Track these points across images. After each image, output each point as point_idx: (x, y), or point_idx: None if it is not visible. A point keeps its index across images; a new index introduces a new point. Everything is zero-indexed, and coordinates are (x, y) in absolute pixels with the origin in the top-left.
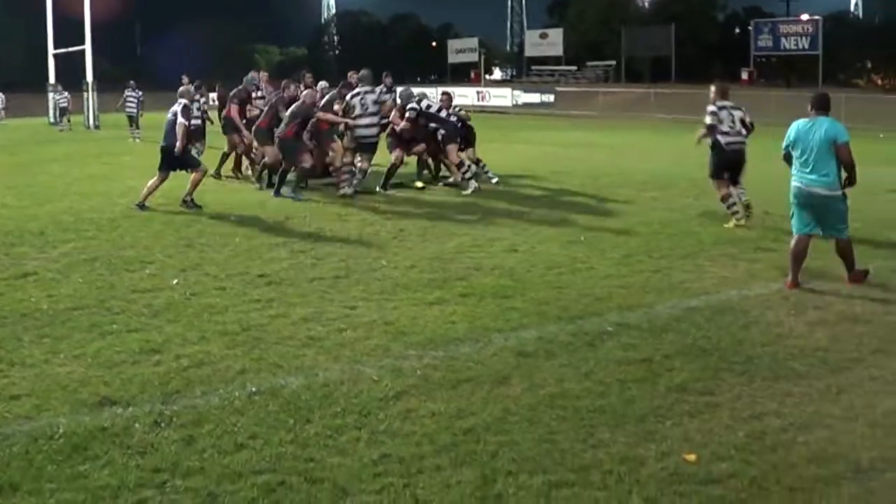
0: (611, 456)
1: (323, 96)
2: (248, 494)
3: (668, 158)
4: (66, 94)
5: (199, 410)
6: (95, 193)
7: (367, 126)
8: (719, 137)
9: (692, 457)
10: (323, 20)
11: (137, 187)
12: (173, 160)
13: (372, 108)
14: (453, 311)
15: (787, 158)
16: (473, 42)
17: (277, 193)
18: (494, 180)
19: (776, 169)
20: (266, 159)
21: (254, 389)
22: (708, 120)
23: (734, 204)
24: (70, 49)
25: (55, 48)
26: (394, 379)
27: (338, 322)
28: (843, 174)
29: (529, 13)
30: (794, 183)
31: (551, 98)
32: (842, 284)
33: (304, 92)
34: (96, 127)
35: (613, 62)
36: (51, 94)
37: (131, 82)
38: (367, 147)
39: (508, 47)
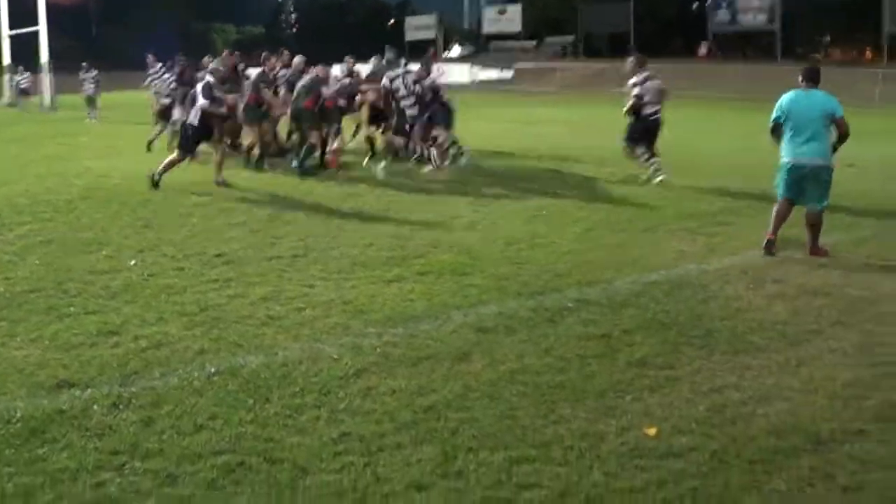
0: (571, 431)
1: (302, 71)
2: (207, 475)
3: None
4: (27, 74)
5: (158, 392)
6: (52, 175)
7: (412, 105)
8: (646, 111)
9: (652, 431)
10: None
11: (94, 168)
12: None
13: (414, 88)
14: (412, 288)
15: (776, 131)
16: (431, 19)
17: (302, 167)
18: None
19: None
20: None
21: (213, 370)
22: (636, 91)
23: (650, 157)
24: (25, 30)
25: (10, 29)
26: (353, 357)
27: (297, 301)
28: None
29: None
30: (787, 158)
31: (510, 74)
32: (802, 257)
33: (317, 67)
34: (53, 108)
35: (572, 37)
36: (7, 76)
37: (84, 64)
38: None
39: (466, 24)
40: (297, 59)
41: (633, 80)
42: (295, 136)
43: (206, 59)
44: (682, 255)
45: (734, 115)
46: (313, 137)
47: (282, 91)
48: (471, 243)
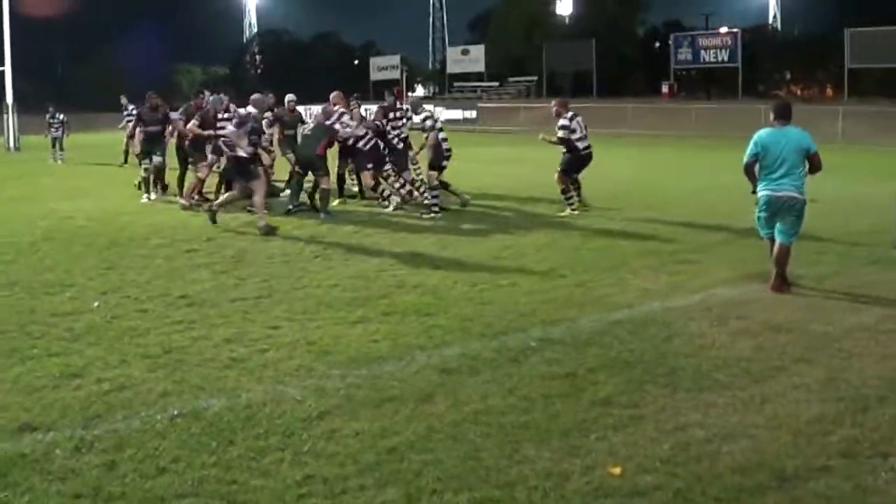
0: (536, 472)
1: (293, 110)
2: None
3: (588, 173)
4: None
5: (121, 435)
6: (15, 216)
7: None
8: (577, 143)
9: (617, 470)
10: (245, 39)
11: (58, 209)
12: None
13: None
14: (376, 329)
15: (750, 168)
16: (395, 59)
17: (327, 213)
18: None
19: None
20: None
21: (176, 412)
22: (561, 133)
23: (572, 196)
24: None
25: None
26: (317, 399)
27: (260, 342)
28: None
29: (451, 30)
30: (765, 192)
31: (473, 114)
32: (766, 293)
33: (322, 107)
34: (16, 149)
35: (535, 77)
36: None
37: (50, 109)
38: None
39: (430, 64)
40: (335, 95)
41: (562, 121)
42: (294, 181)
43: (215, 97)
44: (645, 293)
45: (697, 152)
46: (325, 183)
47: (272, 132)
48: (435, 283)
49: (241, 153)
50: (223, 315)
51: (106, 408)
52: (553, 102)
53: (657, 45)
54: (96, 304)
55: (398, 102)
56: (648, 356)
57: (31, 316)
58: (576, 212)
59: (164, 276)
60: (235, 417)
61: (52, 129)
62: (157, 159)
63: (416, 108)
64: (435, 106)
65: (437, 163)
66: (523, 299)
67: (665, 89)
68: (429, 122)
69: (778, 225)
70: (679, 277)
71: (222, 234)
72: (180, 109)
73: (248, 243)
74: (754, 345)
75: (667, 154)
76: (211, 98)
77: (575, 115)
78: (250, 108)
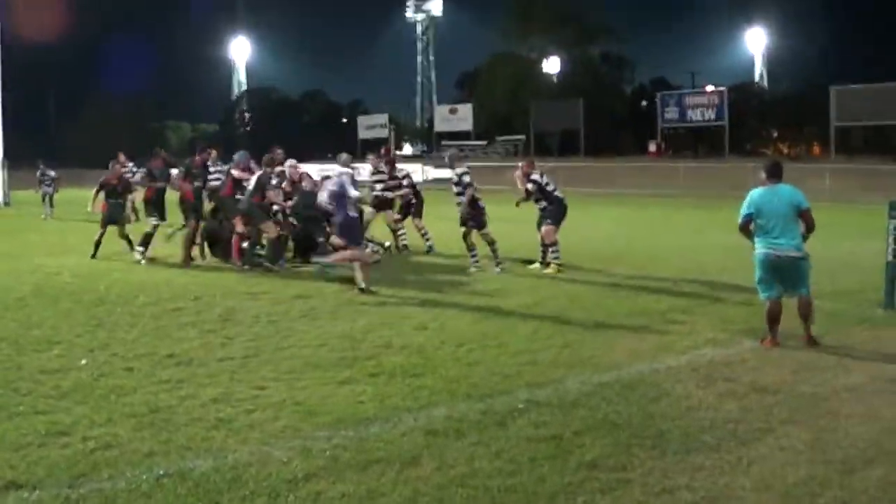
0: None
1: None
2: None
3: (576, 232)
4: None
5: (107, 494)
6: (3, 272)
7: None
8: (557, 194)
9: None
10: (234, 97)
11: (46, 265)
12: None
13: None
14: (363, 390)
15: (746, 227)
16: (383, 118)
17: (326, 268)
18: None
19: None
20: (268, 234)
21: (162, 472)
22: (530, 186)
23: (558, 251)
24: None
25: None
26: (303, 460)
27: (247, 403)
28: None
29: (439, 88)
30: (762, 250)
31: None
32: (750, 355)
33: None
34: (6, 203)
35: (523, 137)
36: None
37: (41, 165)
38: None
39: (418, 122)
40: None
41: (534, 176)
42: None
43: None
44: (633, 353)
45: (684, 211)
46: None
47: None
48: (421, 344)
49: (351, 213)
50: (210, 374)
51: (92, 467)
52: (520, 164)
53: (644, 103)
54: (83, 361)
55: (383, 162)
56: (636, 418)
57: (18, 373)
58: (560, 269)
59: (151, 335)
60: (222, 478)
61: (44, 185)
62: (156, 220)
63: (454, 162)
64: (423, 165)
65: (480, 221)
66: (510, 360)
67: (652, 148)
68: (466, 178)
69: (785, 283)
70: (667, 337)
71: (209, 292)
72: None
73: (235, 302)
74: (741, 406)
75: (654, 212)
76: (236, 156)
77: (543, 171)
78: (338, 168)
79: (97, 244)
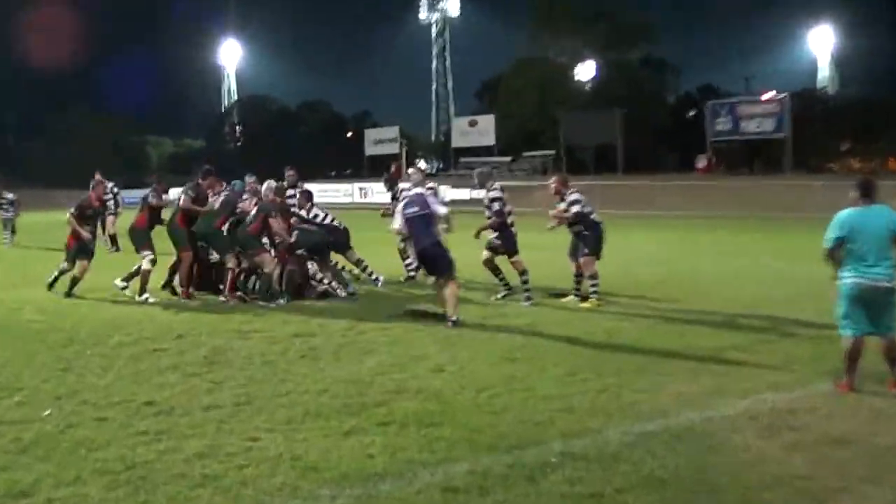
0: None
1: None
2: None
3: (614, 259)
4: None
5: None
6: None
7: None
8: (594, 218)
9: None
10: (223, 108)
11: (5, 299)
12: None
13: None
14: (372, 441)
15: (835, 253)
16: (394, 131)
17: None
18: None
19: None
20: (266, 268)
21: None
22: (576, 208)
23: (598, 284)
24: None
25: None
26: None
27: (238, 457)
28: None
29: (457, 98)
30: (854, 279)
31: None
32: (819, 401)
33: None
34: None
35: (552, 152)
36: None
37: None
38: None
39: (433, 137)
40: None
41: (573, 196)
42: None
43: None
44: (682, 398)
45: (738, 235)
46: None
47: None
48: (439, 388)
49: (439, 237)
50: (195, 425)
51: None
52: (552, 180)
53: (691, 113)
54: (48, 411)
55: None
56: (686, 474)
57: None
58: (600, 302)
59: (127, 379)
60: None
61: (2, 211)
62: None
63: (485, 181)
64: (439, 184)
65: (511, 246)
66: (540, 407)
67: (701, 164)
68: (496, 205)
69: (873, 319)
70: (720, 380)
71: (193, 330)
72: (184, 187)
73: (223, 341)
74: (811, 460)
75: (703, 237)
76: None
77: (578, 191)
78: (411, 185)
79: (74, 281)
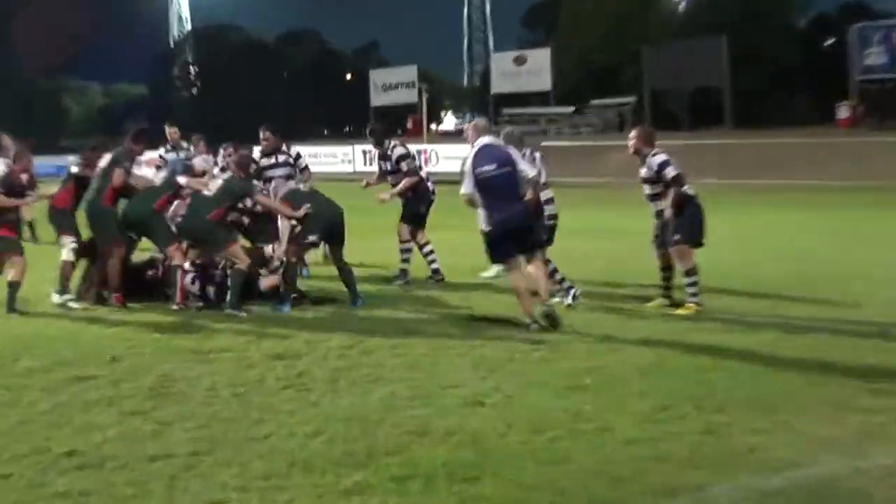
0: None
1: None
2: None
3: (721, 247)
4: None
5: None
6: None
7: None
8: (689, 192)
9: None
10: (171, 41)
11: None
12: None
13: None
14: (384, 503)
15: None
16: (410, 72)
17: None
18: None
19: None
20: (238, 264)
21: None
22: (672, 172)
23: (697, 282)
24: None
25: None
26: None
27: None
28: None
29: (497, 27)
30: None
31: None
32: None
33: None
34: None
35: (633, 99)
36: None
37: None
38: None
39: (466, 80)
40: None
41: (660, 157)
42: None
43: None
44: (822, 444)
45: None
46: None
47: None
48: (476, 429)
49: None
50: (135, 482)
51: None
52: (632, 134)
53: (829, 42)
54: None
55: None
56: None
57: None
58: (700, 308)
59: (40, 420)
60: None
61: None
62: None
63: (515, 145)
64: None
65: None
66: (620, 455)
67: (844, 113)
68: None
69: None
70: (877, 419)
71: (134, 350)
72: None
73: (175, 365)
74: None
75: (850, 215)
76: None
77: (665, 152)
78: (473, 137)
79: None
